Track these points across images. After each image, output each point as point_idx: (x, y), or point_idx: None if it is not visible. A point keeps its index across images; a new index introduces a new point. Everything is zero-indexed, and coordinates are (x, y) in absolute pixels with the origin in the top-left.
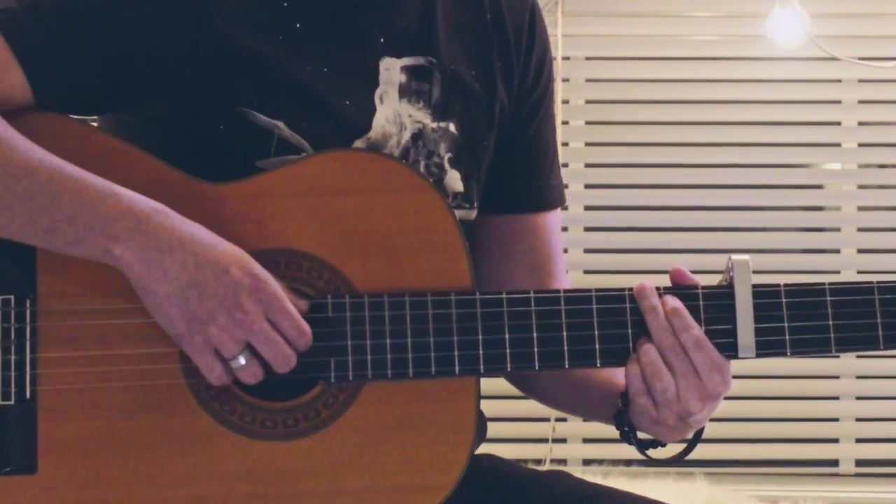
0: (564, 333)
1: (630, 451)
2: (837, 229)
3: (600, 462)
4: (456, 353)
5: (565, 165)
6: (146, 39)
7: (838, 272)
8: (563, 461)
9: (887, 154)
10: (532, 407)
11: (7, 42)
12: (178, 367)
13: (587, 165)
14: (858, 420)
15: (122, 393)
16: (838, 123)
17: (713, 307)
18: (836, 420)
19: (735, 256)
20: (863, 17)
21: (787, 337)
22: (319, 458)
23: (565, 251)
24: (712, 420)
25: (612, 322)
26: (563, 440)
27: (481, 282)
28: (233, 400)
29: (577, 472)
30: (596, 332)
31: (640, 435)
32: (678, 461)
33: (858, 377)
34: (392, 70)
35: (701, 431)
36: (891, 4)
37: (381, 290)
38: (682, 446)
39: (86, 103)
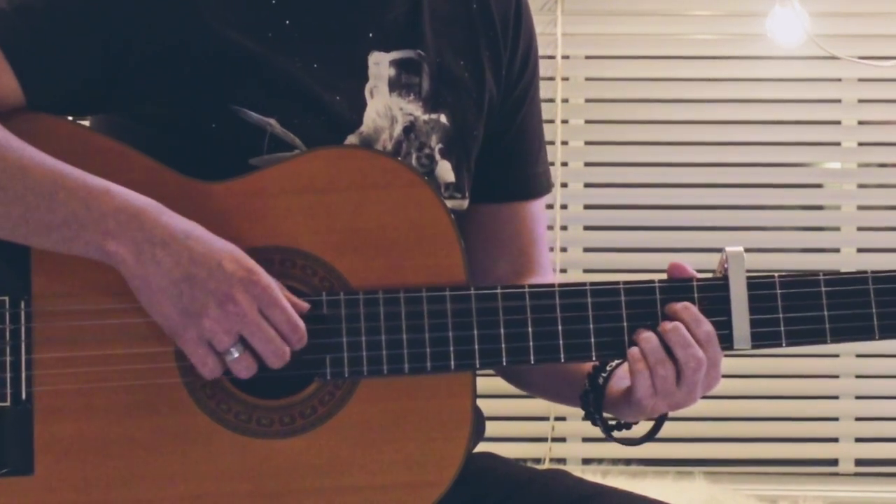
0: (560, 327)
1: (630, 450)
2: (837, 228)
3: (599, 461)
4: (451, 348)
5: (565, 164)
6: (137, 39)
7: (838, 271)
8: (562, 460)
9: (887, 153)
10: (531, 406)
11: None
12: (174, 366)
13: (587, 164)
14: (858, 419)
15: (118, 393)
16: (838, 122)
17: (708, 299)
18: (836, 419)
19: (729, 248)
20: (863, 16)
21: (783, 328)
22: (316, 455)
23: (565, 250)
24: (711, 419)
25: (607, 315)
26: (563, 439)
27: (471, 275)
28: (229, 398)
29: (577, 471)
30: (591, 326)
31: (607, 416)
32: (647, 440)
33: (858, 376)
34: (381, 64)
35: (666, 415)
36: (891, 4)
37: (375, 287)
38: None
39: (77, 104)
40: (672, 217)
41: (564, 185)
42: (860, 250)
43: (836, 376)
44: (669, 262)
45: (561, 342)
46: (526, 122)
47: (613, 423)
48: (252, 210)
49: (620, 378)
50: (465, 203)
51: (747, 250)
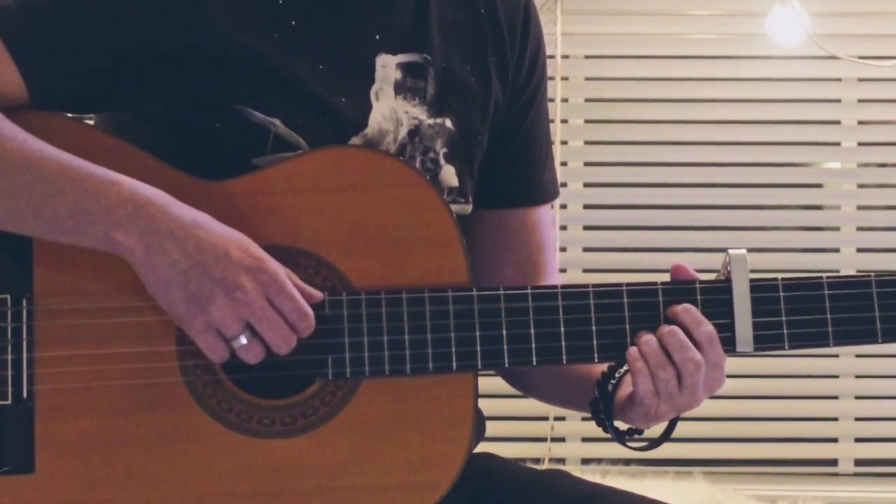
0: (562, 329)
1: (629, 451)
2: (837, 228)
3: (599, 461)
4: (453, 349)
5: (564, 164)
6: (142, 38)
7: (837, 271)
8: (561, 460)
9: (887, 153)
10: (531, 406)
11: (2, 40)
12: (176, 365)
13: (586, 164)
14: (858, 419)
15: (119, 392)
16: (838, 122)
17: (710, 301)
18: (836, 419)
19: (732, 251)
20: (863, 15)
21: (785, 331)
22: (317, 455)
23: (564, 250)
24: (711, 419)
25: (609, 318)
26: (562, 439)
27: (474, 276)
28: (230, 398)
29: (576, 471)
30: (593, 328)
31: (617, 423)
32: (656, 446)
33: (858, 377)
34: (388, 67)
35: (678, 417)
36: (890, 3)
37: (378, 287)
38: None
39: (82, 102)
40: (672, 217)
41: (564, 184)
42: (860, 250)
43: (836, 376)
44: (670, 262)
45: (563, 343)
46: (532, 128)
47: (624, 429)
48: (255, 209)
49: (628, 384)
50: (469, 208)
51: (747, 250)
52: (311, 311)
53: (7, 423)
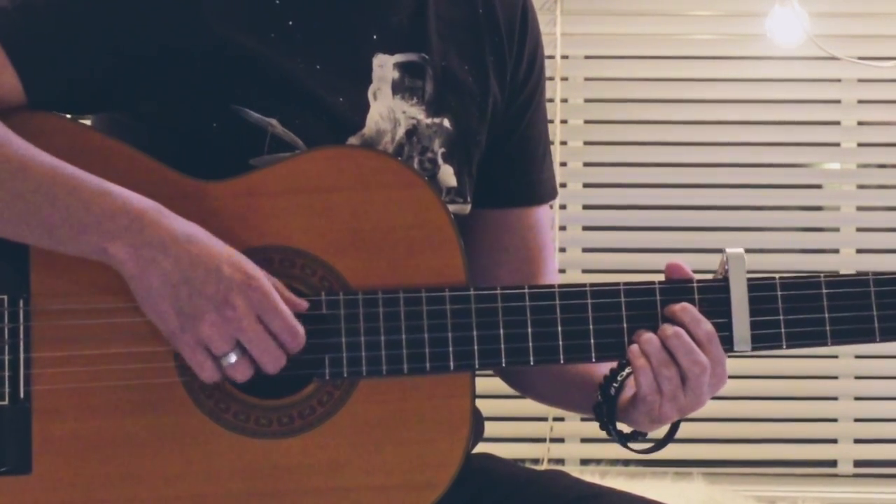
0: (559, 328)
1: (628, 451)
2: (836, 229)
3: (598, 462)
4: (451, 349)
5: (564, 164)
6: (138, 38)
7: (837, 272)
8: (560, 461)
9: (887, 154)
10: (530, 406)
11: None
12: (173, 365)
13: (586, 164)
14: (857, 420)
15: (116, 392)
16: (838, 123)
17: (708, 301)
18: (835, 420)
19: (730, 250)
20: (862, 16)
21: (783, 330)
22: (314, 455)
23: (563, 250)
24: (710, 420)
25: (607, 317)
26: (561, 440)
27: (471, 275)
28: (227, 398)
29: (575, 471)
30: (591, 327)
31: (620, 426)
32: (659, 448)
33: (857, 377)
34: (385, 67)
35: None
36: (890, 4)
37: (375, 287)
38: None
39: (78, 102)
40: (671, 217)
41: (563, 185)
42: (859, 251)
43: (836, 377)
44: (667, 262)
45: (560, 343)
46: (531, 128)
47: (628, 432)
48: (252, 209)
49: (631, 387)
50: (467, 208)
51: (746, 251)
52: (301, 330)
53: (4, 424)
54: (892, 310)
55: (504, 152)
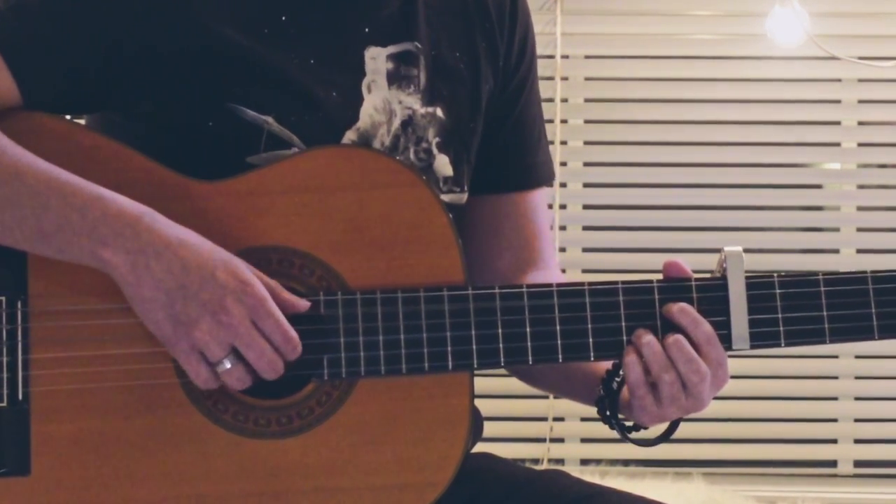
0: (558, 327)
1: (628, 451)
2: (837, 229)
3: (598, 462)
4: (449, 348)
5: (564, 164)
6: (132, 37)
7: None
8: (560, 461)
9: (887, 154)
10: (529, 406)
11: None
12: (171, 366)
13: (586, 164)
14: (857, 421)
15: (114, 393)
16: (838, 123)
17: (706, 299)
18: (835, 421)
19: (728, 248)
20: (863, 16)
21: (782, 328)
22: (313, 455)
23: (564, 250)
24: (710, 420)
25: (606, 315)
26: (561, 440)
27: (469, 262)
28: (226, 398)
29: (575, 471)
30: (589, 326)
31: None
32: (660, 442)
33: (857, 378)
34: (378, 59)
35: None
36: (891, 4)
37: (373, 287)
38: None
39: (74, 102)
40: (671, 217)
41: (563, 185)
42: (860, 251)
43: (836, 377)
44: (665, 261)
45: (559, 342)
46: (525, 112)
47: (629, 425)
48: (250, 209)
49: None
50: (464, 197)
51: (746, 251)
52: (295, 336)
53: (3, 426)
54: (890, 307)
55: (499, 137)
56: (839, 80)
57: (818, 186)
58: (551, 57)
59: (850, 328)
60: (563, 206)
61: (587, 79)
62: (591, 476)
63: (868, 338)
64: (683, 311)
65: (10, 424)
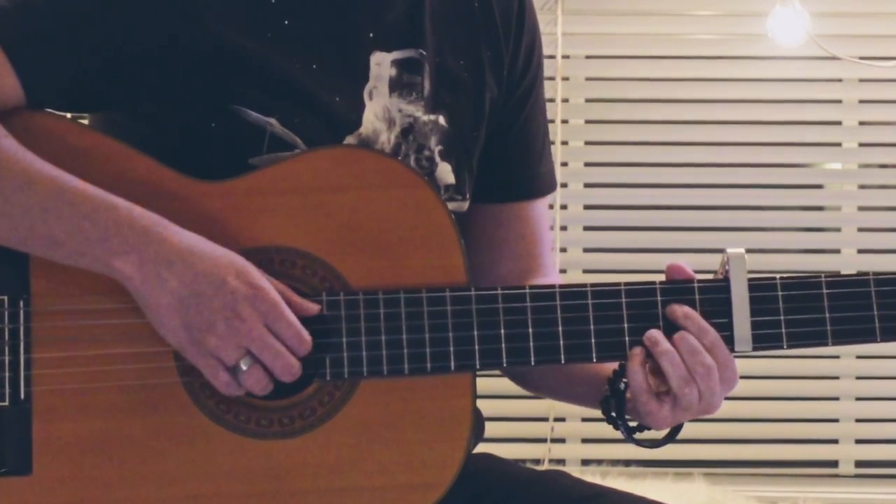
0: (560, 328)
1: (629, 452)
2: (838, 229)
3: (599, 462)
4: (451, 349)
5: (565, 164)
6: (136, 37)
7: (838, 272)
8: (561, 461)
9: (888, 154)
10: (530, 407)
11: None
12: (173, 366)
13: (587, 164)
14: (858, 421)
15: (116, 393)
16: (839, 123)
17: (709, 301)
18: (836, 421)
19: (731, 250)
20: (864, 16)
21: (784, 330)
22: (315, 456)
23: (564, 251)
24: (711, 420)
25: (608, 317)
26: (562, 440)
27: (472, 274)
28: (228, 399)
29: (576, 472)
30: (591, 327)
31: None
32: (666, 442)
33: (858, 378)
34: (382, 65)
35: None
36: (891, 4)
37: (375, 287)
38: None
39: (77, 102)
40: (672, 218)
41: (564, 185)
42: (861, 251)
43: (837, 377)
44: (668, 262)
45: (561, 343)
46: (529, 122)
47: (634, 425)
48: (252, 210)
49: None
50: (465, 205)
51: (747, 251)
52: (308, 337)
53: (4, 425)
54: (892, 310)
55: (503, 146)
56: (840, 80)
57: (819, 186)
58: (552, 57)
59: (852, 330)
60: (563, 207)
61: (588, 79)
62: (591, 476)
63: (870, 340)
64: (688, 317)
65: (12, 424)
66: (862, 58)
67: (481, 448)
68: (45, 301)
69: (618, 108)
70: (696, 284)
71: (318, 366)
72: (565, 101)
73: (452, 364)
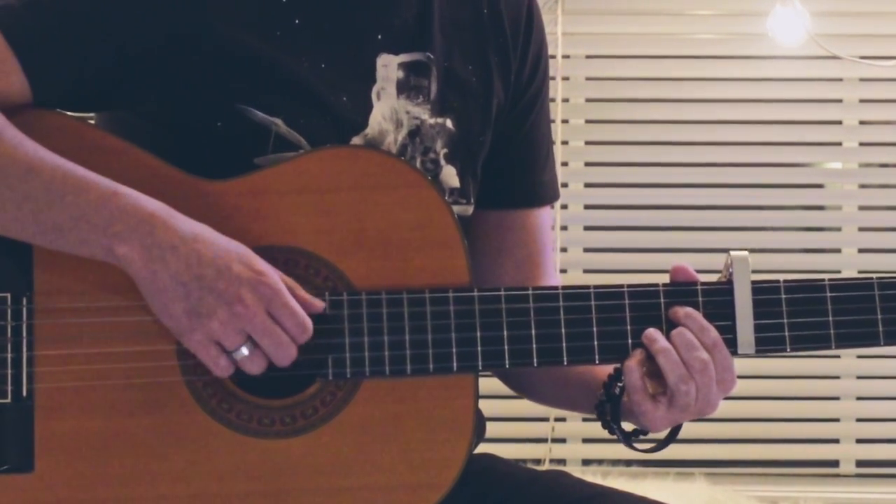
0: (563, 330)
1: (630, 452)
2: (838, 229)
3: (600, 462)
4: (454, 349)
5: (565, 164)
6: (143, 36)
7: (839, 272)
8: (562, 461)
9: (888, 153)
10: (531, 407)
11: (5, 38)
12: (176, 364)
13: (587, 164)
14: (859, 420)
15: (119, 391)
16: (839, 122)
17: (712, 304)
18: (837, 420)
19: (734, 252)
20: (864, 15)
21: (787, 333)
22: (317, 455)
23: (565, 250)
24: (712, 420)
25: (611, 318)
26: (563, 440)
27: (474, 276)
28: (230, 398)
29: (577, 472)
30: (594, 329)
31: (624, 424)
32: (662, 447)
33: (859, 377)
34: (389, 67)
35: None
36: (891, 3)
37: (378, 288)
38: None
39: (83, 100)
40: (672, 217)
41: (565, 184)
42: (861, 251)
43: (837, 377)
44: (671, 263)
45: (564, 345)
46: (534, 130)
47: (630, 430)
48: (256, 209)
49: None
50: (470, 209)
51: (748, 251)
52: (310, 323)
53: (6, 422)
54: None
55: (507, 153)
56: (840, 80)
57: (820, 186)
58: (552, 57)
59: (855, 334)
60: (564, 206)
61: (588, 78)
62: (592, 476)
63: (873, 344)
64: (690, 316)
65: (14, 421)
66: (862, 57)
67: (482, 448)
68: (48, 298)
69: (618, 107)
70: (699, 287)
71: (321, 365)
72: (566, 100)
73: (455, 365)
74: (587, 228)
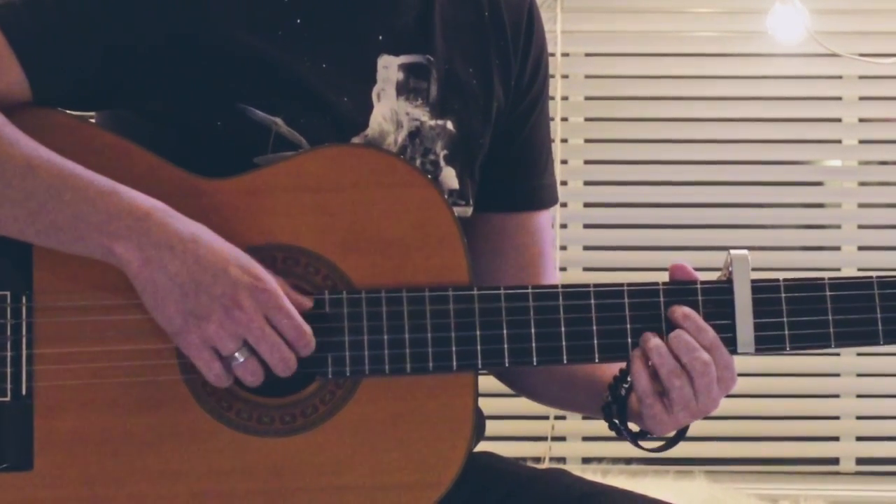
0: (562, 329)
1: (630, 450)
2: (838, 226)
3: (599, 460)
4: (454, 348)
5: (564, 162)
6: (145, 35)
7: (838, 269)
8: (562, 459)
9: (888, 151)
10: (531, 405)
11: (5, 37)
12: (175, 363)
13: (586, 162)
14: (859, 418)
15: (118, 389)
16: (839, 120)
17: (712, 302)
18: (837, 418)
19: (734, 251)
20: (863, 13)
21: (787, 332)
22: (316, 454)
23: (564, 248)
24: (712, 418)
25: (610, 317)
26: (563, 438)
27: (474, 275)
28: (230, 396)
29: (577, 470)
30: (594, 328)
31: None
32: (670, 446)
33: (859, 375)
34: (390, 68)
35: None
36: (891, 1)
37: (378, 286)
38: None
39: (83, 99)
40: (672, 215)
41: (564, 183)
42: (861, 248)
43: (837, 375)
44: (670, 260)
45: (563, 343)
46: (534, 133)
47: (637, 431)
48: (255, 207)
49: None
50: (469, 210)
51: (748, 248)
52: (308, 330)
53: (6, 421)
54: (895, 312)
55: (506, 156)
56: (840, 77)
57: (819, 184)
58: (552, 55)
59: (854, 333)
60: (563, 205)
61: (587, 76)
62: (592, 475)
63: (873, 342)
64: (688, 317)
65: (14, 419)
66: (862, 55)
67: (482, 446)
68: (47, 297)
69: (617, 105)
70: (699, 286)
71: (320, 364)
72: (565, 98)
73: (455, 363)
74: (587, 226)
